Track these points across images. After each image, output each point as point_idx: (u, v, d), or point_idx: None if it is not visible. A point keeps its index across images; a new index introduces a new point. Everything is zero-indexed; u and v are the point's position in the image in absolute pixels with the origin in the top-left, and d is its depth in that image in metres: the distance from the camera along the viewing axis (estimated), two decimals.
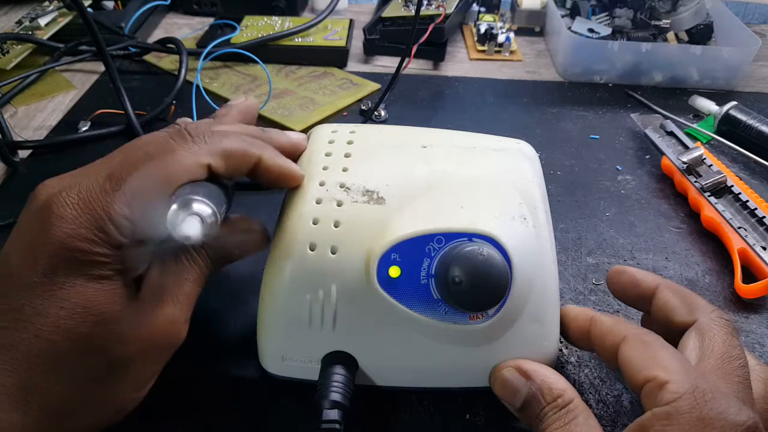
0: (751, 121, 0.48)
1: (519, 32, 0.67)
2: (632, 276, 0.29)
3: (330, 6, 0.62)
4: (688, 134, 0.49)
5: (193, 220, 0.22)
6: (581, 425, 0.23)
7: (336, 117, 0.51)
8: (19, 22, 0.57)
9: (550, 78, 0.60)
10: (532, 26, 0.68)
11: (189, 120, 0.27)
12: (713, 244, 0.39)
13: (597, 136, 0.50)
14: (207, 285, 0.27)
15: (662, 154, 0.45)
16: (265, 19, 0.63)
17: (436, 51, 0.61)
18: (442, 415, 0.29)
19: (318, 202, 0.27)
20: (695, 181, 0.41)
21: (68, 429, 0.23)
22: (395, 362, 0.27)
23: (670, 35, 0.62)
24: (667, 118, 0.51)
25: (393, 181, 0.28)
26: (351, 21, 0.65)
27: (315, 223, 0.26)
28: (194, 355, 0.26)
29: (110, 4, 0.64)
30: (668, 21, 0.60)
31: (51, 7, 0.59)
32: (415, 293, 0.25)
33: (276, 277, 0.26)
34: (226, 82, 0.55)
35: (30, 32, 0.56)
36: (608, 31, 0.60)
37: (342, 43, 0.59)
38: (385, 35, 0.61)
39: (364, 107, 0.53)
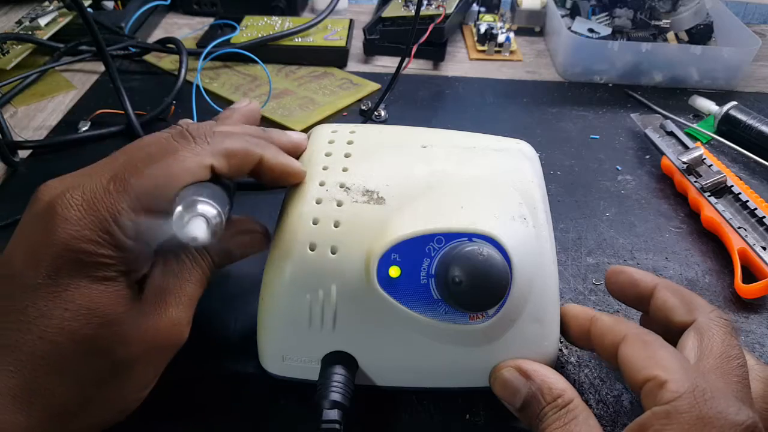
0: (751, 121, 0.48)
1: (519, 32, 0.67)
2: (631, 276, 0.29)
3: (330, 6, 0.62)
4: (688, 134, 0.49)
5: (198, 221, 0.22)
6: (581, 425, 0.23)
7: (336, 117, 0.51)
8: (19, 22, 0.57)
9: (550, 78, 0.60)
10: (532, 26, 0.68)
11: (190, 121, 0.27)
12: (713, 244, 0.39)
13: (597, 136, 0.50)
14: (208, 286, 0.27)
15: (662, 154, 0.45)
16: (265, 19, 0.63)
17: (436, 51, 0.61)
18: (442, 415, 0.29)
19: (318, 202, 0.27)
20: (695, 181, 0.41)
21: (72, 430, 0.23)
22: (395, 362, 0.27)
23: (670, 35, 0.62)
24: (667, 118, 0.51)
25: (393, 181, 0.28)
26: (351, 21, 0.65)
27: (315, 223, 0.26)
28: (194, 355, 0.26)
29: (110, 4, 0.64)
30: (668, 21, 0.60)
31: (51, 7, 0.59)
32: (415, 293, 0.25)
33: (276, 277, 0.26)
34: (226, 82, 0.55)
35: (30, 32, 0.56)
36: (608, 31, 0.60)
37: (342, 43, 0.59)
38: (385, 35, 0.61)
39: (364, 107, 0.53)
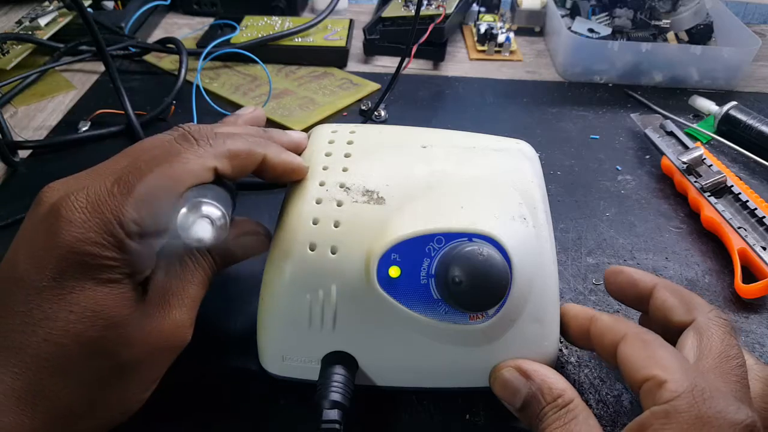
0: (751, 121, 0.48)
1: (519, 32, 0.67)
2: (630, 276, 0.29)
3: (330, 6, 0.62)
4: (688, 134, 0.49)
5: (203, 222, 0.22)
6: (581, 424, 0.23)
7: (336, 117, 0.51)
8: (19, 22, 0.57)
9: (550, 78, 0.60)
10: (532, 26, 0.68)
11: (192, 123, 0.27)
12: (713, 244, 0.39)
13: (597, 136, 0.50)
14: (210, 287, 0.27)
15: (662, 154, 0.45)
16: (265, 19, 0.63)
17: (436, 51, 0.61)
18: (442, 415, 0.29)
19: (318, 202, 0.27)
20: (695, 181, 0.41)
21: (75, 431, 0.23)
22: (395, 362, 0.27)
23: (670, 35, 0.62)
24: (667, 118, 0.51)
25: (393, 181, 0.28)
26: (351, 21, 0.65)
27: (315, 223, 0.26)
28: (195, 355, 0.26)
29: (110, 4, 0.64)
30: (668, 21, 0.60)
31: (51, 7, 0.59)
32: (415, 293, 0.25)
33: (276, 277, 0.26)
34: (226, 82, 0.55)
35: (30, 32, 0.56)
36: (608, 31, 0.60)
37: (342, 43, 0.59)
38: (385, 35, 0.61)
39: (364, 107, 0.53)
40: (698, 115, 0.53)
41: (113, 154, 0.26)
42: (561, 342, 0.29)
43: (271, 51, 0.58)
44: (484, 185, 0.28)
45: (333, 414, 0.24)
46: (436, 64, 0.61)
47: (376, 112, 0.51)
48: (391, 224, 0.26)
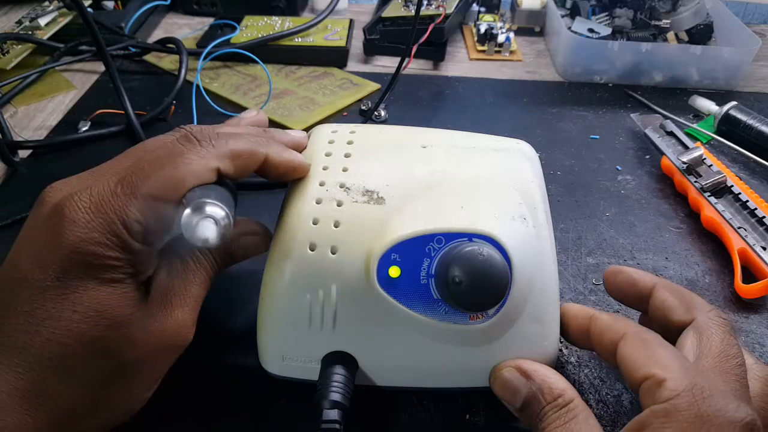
0: (751, 121, 0.48)
1: (519, 32, 0.67)
2: (629, 276, 0.29)
3: (330, 6, 0.62)
4: (688, 134, 0.49)
5: (208, 223, 0.23)
6: (581, 424, 0.23)
7: (336, 117, 0.51)
8: (19, 22, 0.57)
9: (550, 78, 0.60)
10: (532, 26, 0.68)
11: (194, 125, 0.27)
12: (713, 244, 0.39)
13: (597, 136, 0.50)
14: (211, 287, 0.27)
15: (662, 154, 0.45)
16: (265, 19, 0.63)
17: (436, 51, 0.61)
18: (442, 415, 0.29)
19: (318, 202, 0.27)
20: (695, 181, 0.41)
21: (78, 431, 0.23)
22: (395, 362, 0.27)
23: (670, 35, 0.62)
24: (667, 118, 0.51)
25: (393, 181, 0.28)
26: (351, 21, 0.65)
27: (315, 223, 0.26)
28: (195, 355, 0.26)
29: (110, 4, 0.64)
30: (668, 21, 0.60)
31: (51, 7, 0.59)
32: (415, 293, 0.25)
33: (276, 277, 0.26)
34: (226, 82, 0.55)
35: (30, 32, 0.56)
36: (608, 31, 0.60)
37: (342, 43, 0.59)
38: (385, 35, 0.61)
39: (364, 107, 0.53)
40: (698, 115, 0.53)
41: (113, 154, 0.26)
42: (561, 342, 0.29)
43: (271, 51, 0.58)
44: (484, 185, 0.28)
45: (333, 414, 0.24)
46: (436, 64, 0.61)
47: (376, 112, 0.51)
48: (391, 224, 0.26)
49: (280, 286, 0.26)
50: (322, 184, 0.28)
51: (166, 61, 0.58)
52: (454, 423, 0.29)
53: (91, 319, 0.22)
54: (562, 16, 0.63)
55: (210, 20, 0.65)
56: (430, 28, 0.57)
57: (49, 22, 0.58)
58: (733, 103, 0.49)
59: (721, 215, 0.39)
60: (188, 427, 0.28)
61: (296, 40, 0.59)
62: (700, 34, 0.61)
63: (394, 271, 0.25)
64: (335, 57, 0.59)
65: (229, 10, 0.68)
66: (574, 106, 0.54)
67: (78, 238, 0.22)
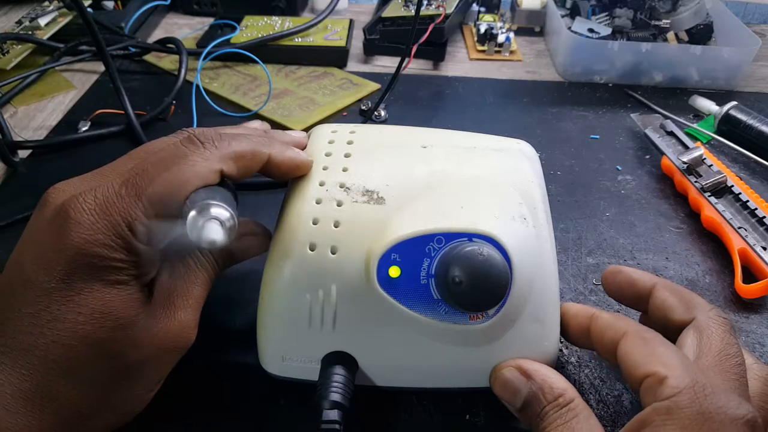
0: (751, 121, 0.48)
1: (519, 32, 0.67)
2: (629, 276, 0.29)
3: (330, 6, 0.62)
4: (688, 134, 0.49)
5: (213, 224, 0.23)
6: (582, 423, 0.23)
7: (336, 117, 0.51)
8: (19, 22, 0.57)
9: (550, 78, 0.59)
10: (532, 26, 0.68)
11: (196, 127, 0.27)
12: (713, 244, 0.39)
13: (597, 136, 0.50)
14: (212, 287, 0.27)
15: (662, 154, 0.45)
16: (265, 19, 0.63)
17: (436, 51, 0.61)
18: (442, 415, 0.29)
19: (318, 202, 0.27)
20: (695, 181, 0.41)
21: None
22: (395, 362, 0.27)
23: (670, 35, 0.62)
24: (667, 118, 0.51)
25: (393, 181, 0.28)
26: (351, 21, 0.65)
27: (315, 223, 0.26)
28: (195, 355, 0.26)
29: (110, 4, 0.64)
30: (668, 21, 0.60)
31: (51, 7, 0.59)
32: (415, 293, 0.25)
33: (276, 277, 0.26)
34: (226, 82, 0.55)
35: (30, 32, 0.56)
36: (608, 31, 0.60)
37: (342, 43, 0.59)
38: (385, 35, 0.61)
39: (364, 107, 0.53)
40: (698, 115, 0.53)
41: (113, 154, 0.26)
42: (561, 342, 0.29)
43: (271, 51, 0.58)
44: (485, 185, 0.28)
45: (333, 414, 0.24)
46: (436, 64, 0.61)
47: (376, 112, 0.51)
48: (391, 224, 0.26)
49: (279, 286, 0.26)
50: (322, 184, 0.28)
51: (166, 61, 0.58)
52: (454, 423, 0.29)
53: (96, 321, 0.22)
54: (562, 16, 0.63)
55: (210, 20, 0.65)
56: (430, 28, 0.57)
57: (49, 22, 0.58)
58: (734, 103, 0.49)
59: (722, 215, 0.39)
60: (188, 427, 0.28)
61: (296, 40, 0.59)
62: (700, 34, 0.61)
63: (394, 271, 0.25)
64: (335, 57, 0.59)
65: (229, 10, 0.68)
66: (574, 106, 0.54)
67: (83, 239, 0.22)
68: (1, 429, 0.21)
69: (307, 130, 0.33)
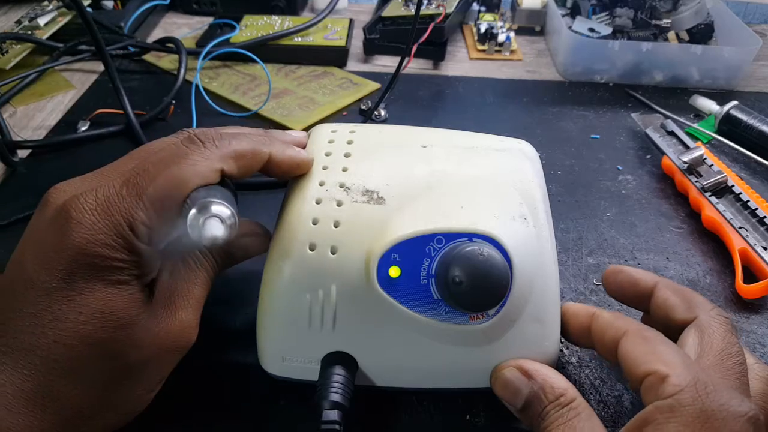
0: (751, 121, 0.48)
1: (519, 32, 0.67)
2: (630, 275, 0.29)
3: (330, 5, 0.62)
4: (688, 134, 0.49)
5: (214, 221, 0.23)
6: (584, 422, 0.23)
7: (336, 117, 0.51)
8: (19, 22, 0.57)
9: (551, 77, 0.59)
10: (533, 26, 0.68)
11: (196, 128, 0.27)
12: (714, 244, 0.39)
13: (597, 136, 0.50)
14: (211, 287, 0.27)
15: (663, 153, 0.45)
16: (265, 18, 0.63)
17: (436, 50, 0.61)
18: (442, 415, 0.29)
19: (318, 202, 0.27)
20: (696, 181, 0.41)
21: None
22: (395, 363, 0.27)
23: (671, 35, 0.61)
24: (667, 117, 0.50)
25: (393, 181, 0.28)
26: (351, 20, 0.65)
27: (315, 223, 0.26)
28: (195, 355, 0.26)
29: (109, 4, 0.64)
30: (669, 20, 0.60)
31: (50, 7, 0.59)
32: (415, 293, 0.25)
33: (275, 277, 0.26)
34: (225, 82, 0.55)
35: (29, 32, 0.56)
36: (609, 30, 0.60)
37: (342, 42, 0.59)
38: (385, 35, 0.61)
39: (364, 107, 0.52)
40: (699, 115, 0.53)
41: (113, 154, 0.26)
42: (561, 342, 0.29)
43: (270, 50, 0.58)
44: (485, 185, 0.28)
45: (333, 414, 0.24)
46: (436, 63, 0.61)
47: (376, 112, 0.51)
48: (391, 224, 0.26)
49: (279, 286, 0.26)
50: (321, 184, 0.28)
51: (166, 61, 0.58)
52: (454, 423, 0.29)
53: (97, 321, 0.22)
54: (563, 16, 0.63)
55: (209, 20, 0.65)
56: (430, 27, 0.57)
57: (48, 22, 0.58)
58: (734, 102, 0.49)
59: (722, 215, 0.39)
60: (189, 427, 0.28)
61: (296, 39, 0.59)
62: (701, 34, 0.61)
63: (394, 271, 0.25)
64: (335, 56, 0.59)
65: (229, 10, 0.68)
66: (574, 106, 0.54)
67: (84, 239, 0.22)
68: (2, 429, 0.21)
69: (307, 129, 0.33)
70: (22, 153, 0.46)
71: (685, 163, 0.42)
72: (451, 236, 0.25)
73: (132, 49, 0.58)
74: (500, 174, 0.29)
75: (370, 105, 0.52)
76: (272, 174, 0.28)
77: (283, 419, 0.28)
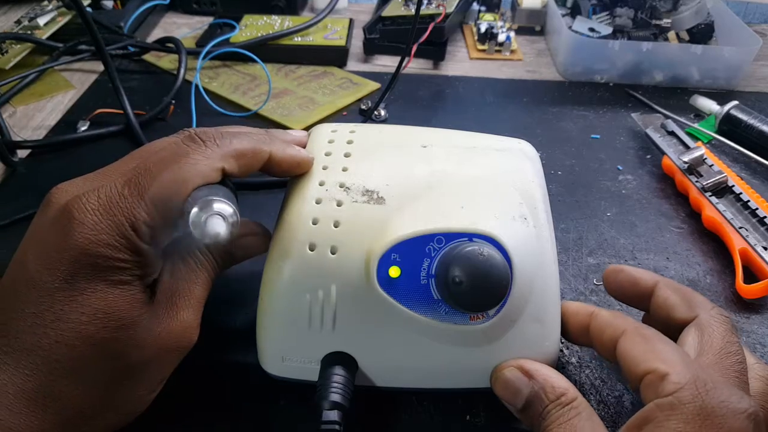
0: (752, 121, 0.48)
1: (519, 31, 0.67)
2: (630, 274, 0.29)
3: (330, 5, 0.62)
4: (689, 134, 0.49)
5: (217, 219, 0.23)
6: (585, 421, 0.23)
7: (336, 116, 0.51)
8: (18, 22, 0.57)
9: (551, 77, 0.59)
10: (533, 25, 0.68)
11: (197, 128, 0.27)
12: (714, 244, 0.39)
13: (598, 136, 0.50)
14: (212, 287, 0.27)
15: (663, 153, 0.45)
16: (265, 18, 0.63)
17: (436, 50, 0.60)
18: (442, 415, 0.29)
19: (318, 202, 0.27)
20: (696, 181, 0.41)
21: None
22: (395, 363, 0.27)
23: (671, 34, 0.61)
24: (668, 117, 0.50)
25: (393, 181, 0.28)
26: (351, 20, 0.65)
27: (315, 223, 0.26)
28: (194, 355, 0.26)
29: (109, 4, 0.64)
30: (669, 20, 0.59)
31: (50, 7, 0.59)
32: (415, 293, 0.25)
33: (275, 277, 0.26)
34: (225, 82, 0.55)
35: (29, 32, 0.56)
36: (609, 30, 0.60)
37: (342, 42, 0.59)
38: (385, 34, 0.60)
39: (363, 107, 0.52)
40: (699, 115, 0.53)
41: (112, 154, 0.26)
42: (562, 342, 0.29)
43: (270, 50, 0.58)
44: (485, 185, 0.28)
45: (333, 415, 0.24)
46: (436, 63, 0.61)
47: (376, 112, 0.51)
48: (391, 224, 0.26)
49: (279, 287, 0.26)
50: (321, 184, 0.28)
51: (165, 61, 0.58)
52: (454, 424, 0.29)
53: (99, 321, 0.22)
54: (563, 15, 0.63)
55: (209, 19, 0.65)
56: (430, 27, 0.57)
57: (48, 22, 0.58)
58: (734, 102, 0.49)
59: (722, 215, 0.39)
60: (189, 427, 0.28)
61: (296, 39, 0.59)
62: (701, 34, 0.61)
63: (394, 271, 0.25)
64: (335, 56, 0.59)
65: (229, 9, 0.68)
66: (574, 106, 0.54)
67: (87, 239, 0.22)
68: (3, 429, 0.21)
69: (306, 129, 0.33)
70: (22, 153, 0.46)
71: (685, 163, 0.42)
72: (451, 236, 0.25)
73: (132, 49, 0.58)
74: (500, 174, 0.29)
75: (370, 105, 0.52)
76: (273, 173, 0.28)
77: (283, 419, 0.28)
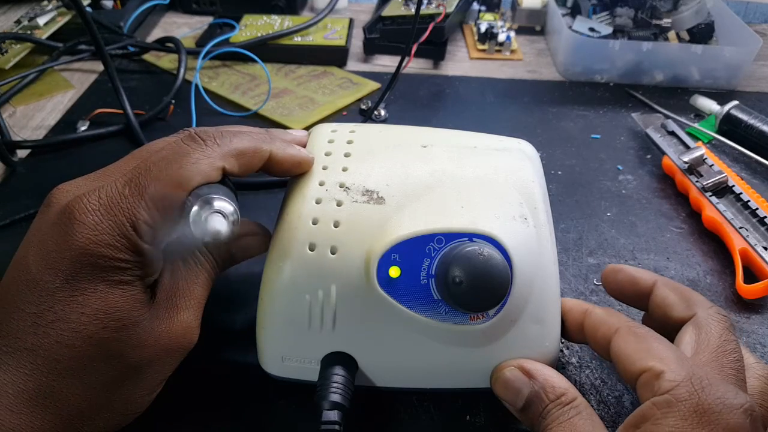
0: (752, 121, 0.48)
1: (519, 31, 0.67)
2: (629, 274, 0.29)
3: (330, 5, 0.62)
4: (689, 134, 0.49)
5: (217, 217, 0.23)
6: (585, 420, 0.23)
7: (336, 116, 0.51)
8: (18, 22, 0.57)
9: (551, 77, 0.59)
10: (533, 25, 0.68)
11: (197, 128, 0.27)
12: (714, 244, 0.39)
13: (598, 136, 0.50)
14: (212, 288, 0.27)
15: (663, 153, 0.45)
16: (265, 18, 0.63)
17: (436, 50, 0.60)
18: (443, 416, 0.29)
19: (318, 202, 0.27)
20: (696, 181, 0.41)
21: None
22: (395, 363, 0.27)
23: (671, 34, 0.61)
24: (668, 117, 0.50)
25: (393, 181, 0.28)
26: (351, 20, 0.65)
27: (314, 223, 0.26)
28: (194, 355, 0.26)
29: (109, 4, 0.64)
30: (669, 20, 0.59)
31: (50, 7, 0.59)
32: (415, 293, 0.25)
33: (275, 277, 0.26)
34: (225, 82, 0.55)
35: (29, 31, 0.56)
36: (609, 30, 0.60)
37: (342, 42, 0.59)
38: (385, 34, 0.60)
39: (363, 107, 0.52)
40: (699, 115, 0.53)
41: (112, 154, 0.26)
42: (562, 342, 0.29)
43: (270, 50, 0.58)
44: (485, 185, 0.28)
45: (333, 415, 0.24)
46: (436, 63, 0.61)
47: (376, 112, 0.51)
48: (391, 224, 0.26)
49: (279, 287, 0.26)
50: (321, 184, 0.28)
51: (165, 61, 0.58)
52: (454, 424, 0.29)
53: (100, 321, 0.22)
54: (563, 15, 0.63)
55: (209, 19, 0.65)
56: (431, 27, 0.57)
57: (47, 22, 0.58)
58: (735, 102, 0.49)
59: (723, 215, 0.39)
60: (189, 427, 0.28)
61: (296, 39, 0.59)
62: (701, 34, 0.61)
63: (394, 272, 0.25)
64: (335, 56, 0.59)
65: (229, 9, 0.67)
66: (574, 106, 0.54)
67: (88, 240, 0.22)
68: (4, 429, 0.21)
69: (306, 129, 0.33)
70: (22, 153, 0.46)
71: (685, 163, 0.42)
72: (451, 236, 0.25)
73: (131, 49, 0.58)
74: (500, 174, 0.29)
75: (370, 105, 0.52)
76: (273, 172, 0.28)
77: (283, 419, 0.28)
